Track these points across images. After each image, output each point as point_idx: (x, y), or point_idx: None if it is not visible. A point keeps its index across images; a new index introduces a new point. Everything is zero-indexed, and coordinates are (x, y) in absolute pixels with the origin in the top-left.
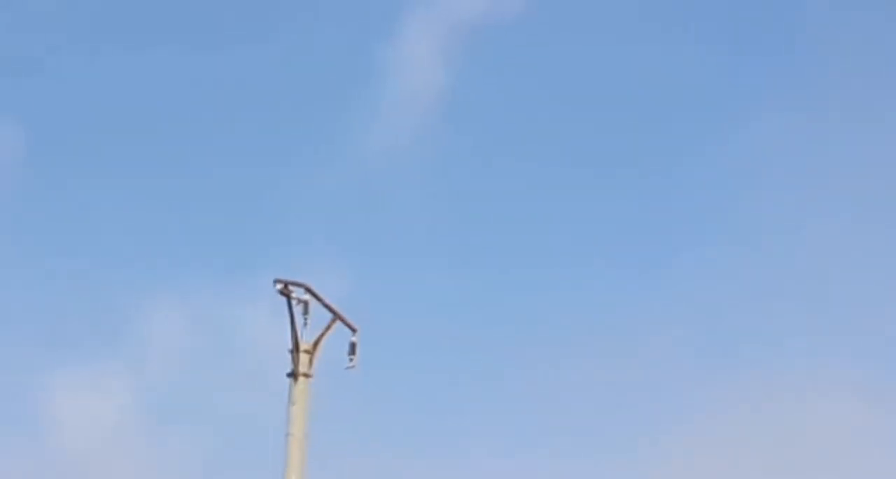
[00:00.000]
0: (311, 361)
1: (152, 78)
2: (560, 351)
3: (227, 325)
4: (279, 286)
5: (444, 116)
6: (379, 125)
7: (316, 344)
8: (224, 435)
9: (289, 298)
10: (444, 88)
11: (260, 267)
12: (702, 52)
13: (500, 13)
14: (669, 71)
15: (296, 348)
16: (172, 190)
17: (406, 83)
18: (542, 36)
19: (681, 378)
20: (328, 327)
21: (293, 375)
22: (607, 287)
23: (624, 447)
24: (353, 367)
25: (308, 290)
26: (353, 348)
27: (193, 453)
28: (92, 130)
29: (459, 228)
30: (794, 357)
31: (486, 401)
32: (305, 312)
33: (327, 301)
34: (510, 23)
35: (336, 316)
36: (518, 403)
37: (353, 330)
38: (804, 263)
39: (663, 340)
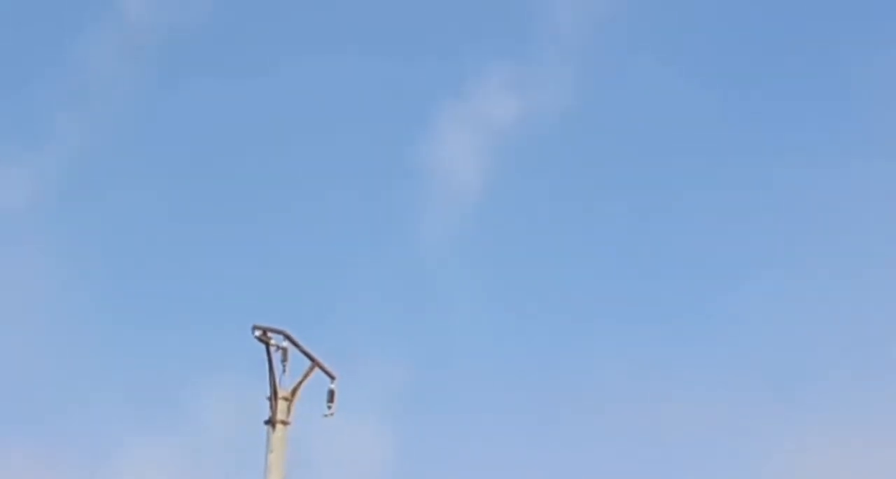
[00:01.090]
0: (289, 408)
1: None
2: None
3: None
4: (258, 333)
5: (481, 215)
6: (416, 224)
7: (294, 391)
8: None
9: (267, 344)
10: (480, 187)
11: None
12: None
13: (536, 112)
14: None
15: (274, 396)
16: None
17: (441, 182)
18: (577, 134)
19: (729, 434)
20: (307, 375)
21: (271, 422)
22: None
23: None
24: (331, 415)
25: (287, 337)
26: (331, 396)
27: None
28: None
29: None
30: (836, 411)
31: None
32: (284, 359)
33: (306, 348)
34: (547, 122)
35: (315, 363)
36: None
37: (332, 378)
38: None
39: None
